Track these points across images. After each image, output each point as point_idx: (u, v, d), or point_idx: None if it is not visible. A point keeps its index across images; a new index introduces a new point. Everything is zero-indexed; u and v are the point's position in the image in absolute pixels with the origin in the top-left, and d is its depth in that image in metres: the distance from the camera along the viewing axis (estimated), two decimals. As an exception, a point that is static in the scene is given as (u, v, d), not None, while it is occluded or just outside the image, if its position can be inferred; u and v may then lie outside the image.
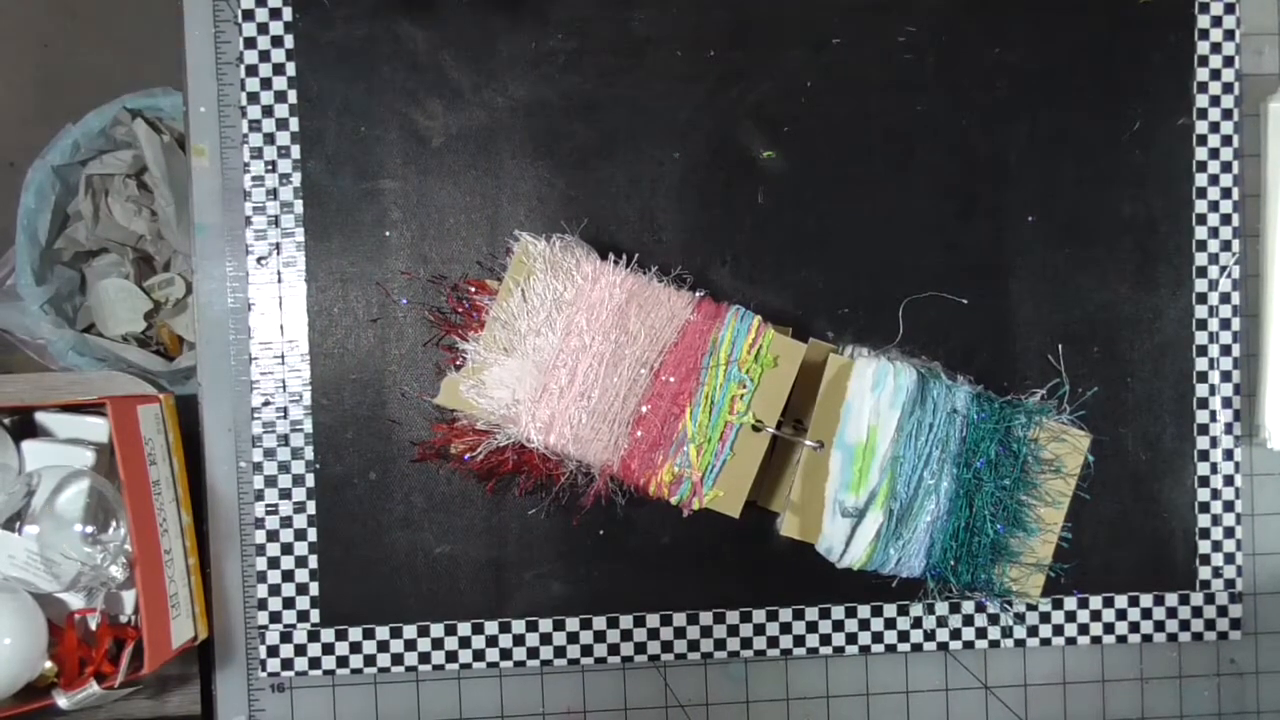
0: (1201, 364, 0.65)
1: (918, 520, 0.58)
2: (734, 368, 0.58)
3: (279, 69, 0.62)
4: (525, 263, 0.59)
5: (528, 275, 0.59)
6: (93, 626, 0.60)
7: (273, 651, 0.62)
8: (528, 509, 0.63)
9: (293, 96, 0.62)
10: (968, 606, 0.64)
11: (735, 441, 0.58)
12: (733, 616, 0.64)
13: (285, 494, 0.62)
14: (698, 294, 0.60)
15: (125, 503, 0.57)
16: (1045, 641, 0.65)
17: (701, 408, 0.58)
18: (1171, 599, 0.65)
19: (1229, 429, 0.65)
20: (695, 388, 0.58)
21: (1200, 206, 0.65)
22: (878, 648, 0.64)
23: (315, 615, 0.62)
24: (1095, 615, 0.65)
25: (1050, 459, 0.61)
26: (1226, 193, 0.65)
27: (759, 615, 0.64)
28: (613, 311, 0.59)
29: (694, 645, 0.64)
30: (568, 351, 0.58)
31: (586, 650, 0.63)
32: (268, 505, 0.62)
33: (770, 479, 0.62)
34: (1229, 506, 0.65)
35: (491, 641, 0.63)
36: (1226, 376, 0.65)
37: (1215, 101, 0.65)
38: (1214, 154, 0.65)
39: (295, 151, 0.62)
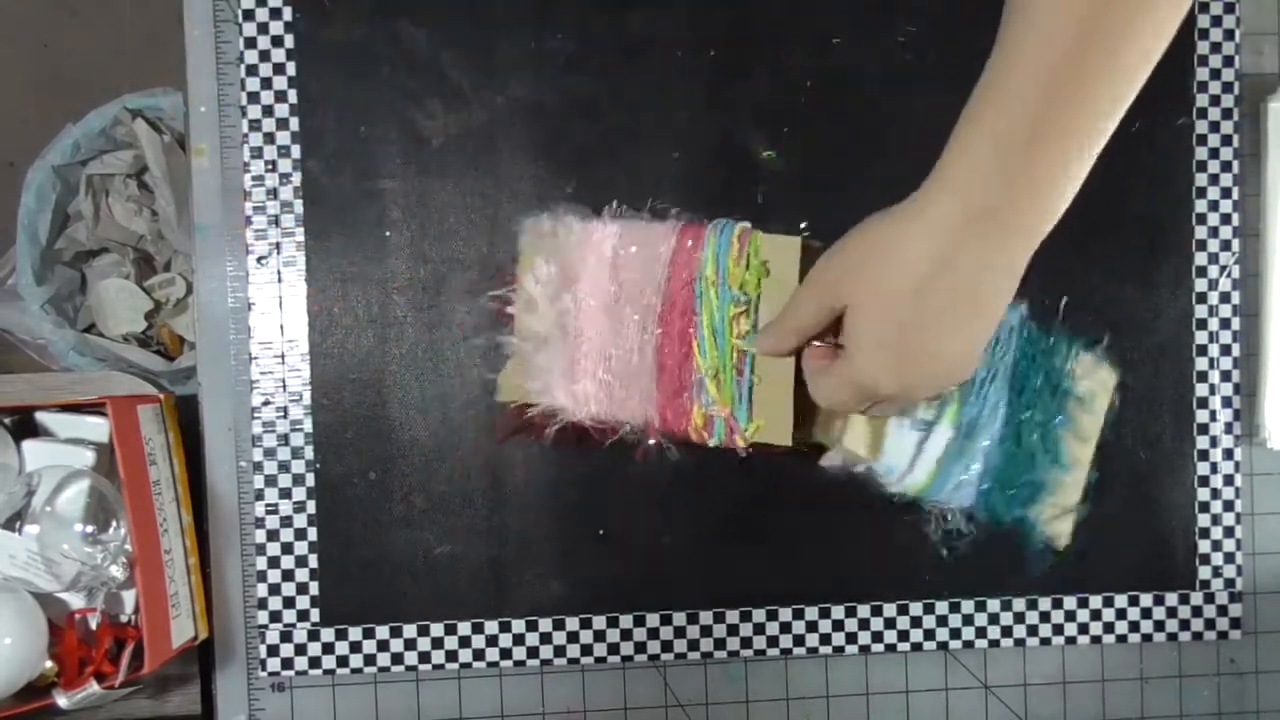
0: (1201, 364, 0.65)
1: (979, 441, 0.56)
2: (723, 285, 0.54)
3: (279, 69, 0.62)
4: (532, 244, 0.58)
5: (535, 256, 0.58)
6: (93, 626, 0.61)
7: (273, 651, 0.63)
8: (528, 508, 0.63)
9: (293, 96, 0.62)
10: (968, 606, 0.64)
11: (755, 365, 0.54)
12: (733, 616, 0.64)
13: (285, 494, 0.62)
14: (678, 220, 0.58)
15: (125, 503, 0.57)
16: (1045, 641, 0.65)
17: (707, 339, 0.55)
18: (1171, 599, 0.65)
19: (1229, 429, 0.65)
20: (695, 319, 0.55)
21: (1200, 206, 0.65)
22: (878, 647, 0.64)
23: (315, 615, 0.62)
24: (1095, 615, 0.65)
25: (1082, 395, 0.60)
26: (1226, 192, 0.65)
27: (759, 615, 0.64)
28: (606, 265, 0.57)
29: (694, 645, 0.64)
30: (582, 319, 0.57)
31: (586, 650, 0.63)
32: (268, 505, 0.62)
33: (811, 407, 0.55)
34: (1229, 506, 0.65)
35: (491, 641, 0.63)
36: (1226, 376, 0.65)
37: (1215, 101, 0.65)
38: (1214, 154, 0.65)
39: (295, 151, 0.62)
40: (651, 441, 0.59)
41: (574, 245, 0.58)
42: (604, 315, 0.56)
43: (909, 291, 0.45)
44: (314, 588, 0.62)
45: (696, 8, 0.62)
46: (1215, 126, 0.65)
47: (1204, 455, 0.65)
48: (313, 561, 0.62)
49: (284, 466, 0.62)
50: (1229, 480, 0.65)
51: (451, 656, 0.63)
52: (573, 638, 0.63)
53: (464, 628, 0.63)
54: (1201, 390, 0.65)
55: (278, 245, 0.62)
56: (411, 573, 0.63)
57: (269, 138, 0.62)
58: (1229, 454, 0.65)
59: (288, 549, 0.62)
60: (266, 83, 0.62)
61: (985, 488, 0.57)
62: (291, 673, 0.63)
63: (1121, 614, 0.65)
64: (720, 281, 0.54)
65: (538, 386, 0.58)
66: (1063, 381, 0.59)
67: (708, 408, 0.55)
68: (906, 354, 0.46)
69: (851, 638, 0.64)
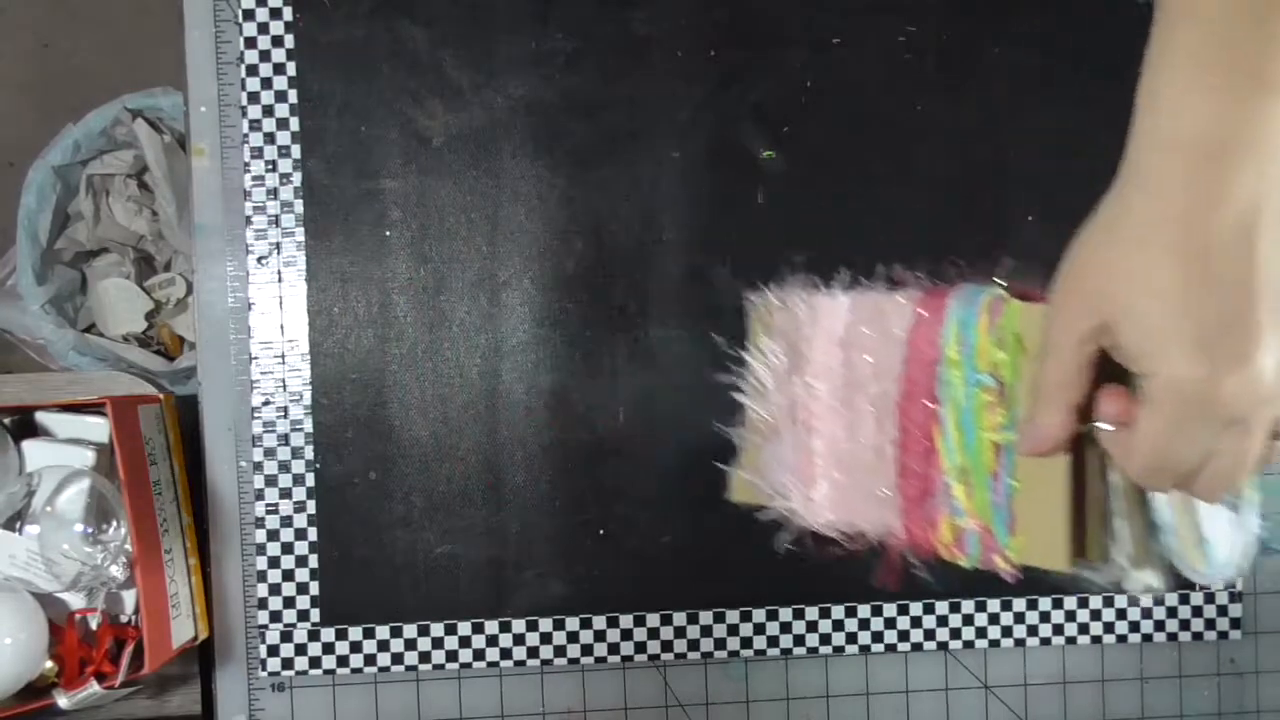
0: (1201, 364, 0.65)
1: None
2: (969, 366, 0.43)
3: (279, 69, 0.62)
4: (760, 322, 0.51)
5: (762, 336, 0.51)
6: (93, 626, 0.60)
7: (273, 651, 0.63)
8: (528, 508, 0.63)
9: (293, 96, 0.62)
10: (968, 606, 0.64)
11: (1014, 466, 0.42)
12: (733, 616, 0.64)
13: (285, 493, 0.62)
14: (917, 289, 0.47)
15: (125, 503, 0.57)
16: (1045, 641, 0.65)
17: (952, 433, 0.44)
18: (1171, 599, 0.65)
19: (1229, 429, 0.65)
20: (939, 409, 0.44)
21: (1200, 206, 0.65)
22: (878, 647, 0.64)
23: (315, 615, 0.62)
24: (1095, 615, 0.65)
25: None
26: (1226, 192, 0.65)
27: (759, 615, 0.64)
28: (837, 345, 0.48)
29: (694, 645, 0.64)
30: (812, 409, 0.48)
31: (586, 650, 0.63)
32: (268, 505, 0.62)
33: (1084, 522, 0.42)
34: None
35: (491, 641, 0.63)
36: (1226, 376, 0.65)
37: (1215, 101, 0.64)
38: (1214, 154, 0.65)
39: (295, 151, 0.62)
40: (894, 556, 0.48)
41: (802, 323, 0.49)
42: (836, 404, 0.47)
43: (1183, 243, 0.35)
44: (314, 588, 0.62)
45: (696, 8, 0.62)
46: (1215, 126, 0.64)
47: (1204, 455, 0.65)
48: (313, 561, 0.62)
49: (284, 466, 0.62)
50: (1229, 480, 0.65)
51: (451, 656, 0.63)
52: (573, 638, 0.63)
53: (464, 628, 0.63)
54: (1201, 390, 0.65)
55: (278, 245, 0.62)
56: (411, 573, 0.63)
57: (269, 138, 0.62)
58: (1229, 454, 0.65)
59: (288, 549, 0.62)
60: (266, 83, 0.62)
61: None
62: (291, 673, 0.63)
63: (1121, 614, 0.65)
64: (965, 361, 0.43)
65: (767, 486, 0.50)
66: None
67: (956, 518, 0.44)
68: (1228, 325, 0.34)
69: (851, 638, 0.64)
